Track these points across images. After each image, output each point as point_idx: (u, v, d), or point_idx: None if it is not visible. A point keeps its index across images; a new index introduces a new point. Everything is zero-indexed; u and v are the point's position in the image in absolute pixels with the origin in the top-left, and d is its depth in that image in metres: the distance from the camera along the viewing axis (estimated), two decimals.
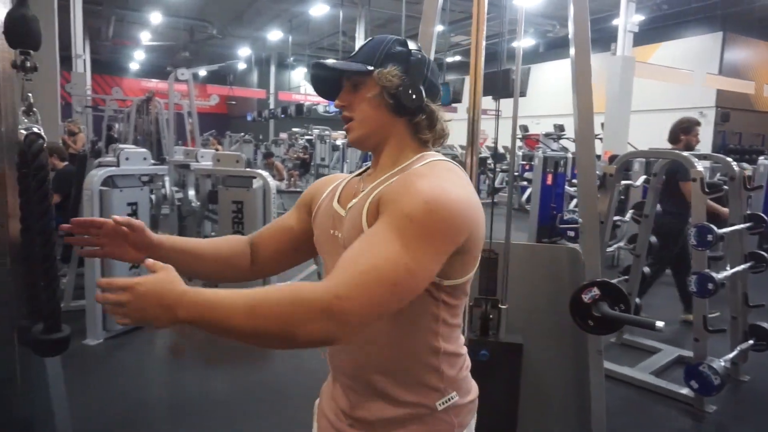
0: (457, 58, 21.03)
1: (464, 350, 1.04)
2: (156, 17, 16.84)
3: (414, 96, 0.97)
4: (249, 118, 20.12)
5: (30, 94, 0.93)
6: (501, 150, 15.17)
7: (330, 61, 1.00)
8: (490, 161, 12.72)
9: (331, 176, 1.18)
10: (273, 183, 4.08)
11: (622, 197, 4.84)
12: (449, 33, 17.78)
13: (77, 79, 11.92)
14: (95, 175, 3.52)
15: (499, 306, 1.84)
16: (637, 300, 3.87)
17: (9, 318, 1.05)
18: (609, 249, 4.48)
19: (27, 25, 0.90)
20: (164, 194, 5.09)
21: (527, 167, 11.91)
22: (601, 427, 1.92)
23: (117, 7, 16.15)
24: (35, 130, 0.90)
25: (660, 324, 1.54)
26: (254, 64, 23.99)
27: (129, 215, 3.72)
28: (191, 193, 4.80)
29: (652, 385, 3.15)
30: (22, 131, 0.92)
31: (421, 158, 0.98)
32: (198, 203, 4.58)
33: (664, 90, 14.43)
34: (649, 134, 14.23)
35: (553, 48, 18.47)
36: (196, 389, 3.08)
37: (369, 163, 1.09)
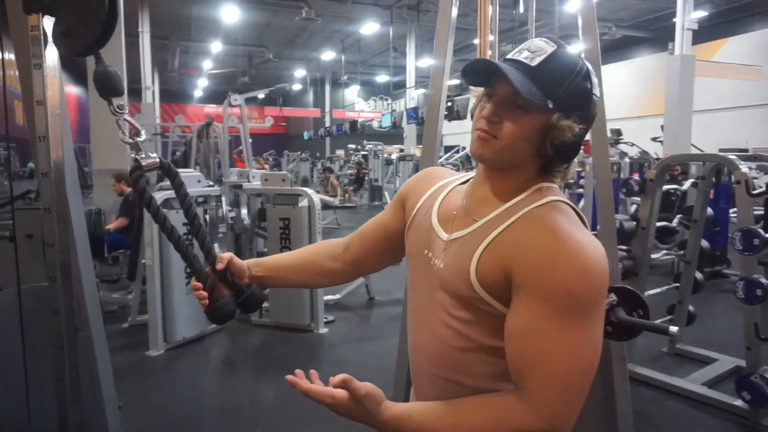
0: None
1: None
2: (216, 46, 17.81)
3: (575, 152, 0.86)
4: (305, 137, 20.79)
5: (122, 131, 1.09)
6: None
7: (512, 75, 0.81)
8: None
9: (429, 173, 1.10)
10: (317, 199, 4.25)
11: (673, 199, 4.66)
12: (499, 43, 17.67)
13: (146, 109, 12.81)
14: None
15: None
16: (690, 308, 3.72)
17: (57, 326, 1.22)
18: (664, 256, 4.33)
19: (109, 78, 1.07)
20: (221, 215, 5.40)
21: (583, 174, 11.59)
22: None
23: (182, 40, 17.23)
24: (137, 157, 1.06)
25: (674, 329, 1.52)
26: (309, 84, 24.78)
27: (185, 234, 3.99)
28: (243, 211, 5.07)
29: (703, 397, 3.03)
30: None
31: (540, 193, 0.88)
32: (248, 221, 4.83)
33: (732, 88, 13.68)
34: (717, 134, 13.55)
35: (610, 51, 17.93)
36: (246, 397, 3.25)
37: (473, 173, 1.00)
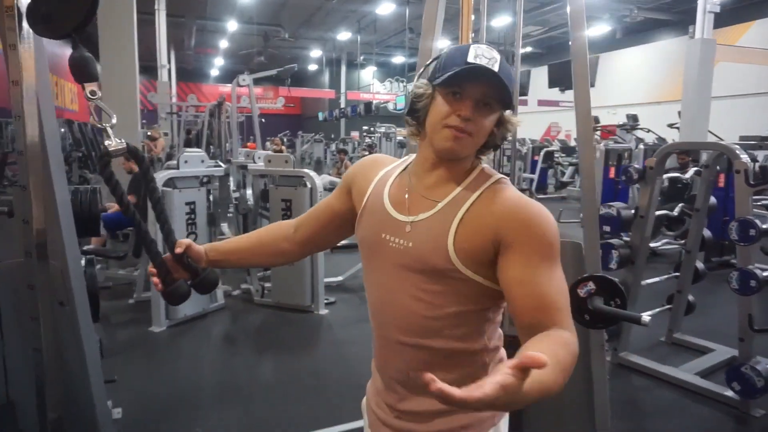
0: (528, 49, 20.49)
1: (501, 343, 1.12)
2: (232, 25, 17.76)
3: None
4: (320, 118, 20.76)
5: (93, 116, 1.11)
6: (573, 143, 14.72)
7: (488, 63, 0.94)
8: (558, 154, 12.38)
9: (372, 161, 1.17)
10: (319, 182, 4.27)
11: (679, 186, 4.58)
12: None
13: (161, 88, 12.90)
14: (157, 177, 3.87)
15: None
16: (690, 297, 3.70)
17: (34, 300, 1.26)
18: (665, 245, 4.29)
19: (85, 64, 1.09)
20: (228, 195, 5.45)
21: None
22: (604, 421, 1.91)
23: (198, 18, 17.18)
24: (107, 143, 1.09)
25: (646, 318, 1.52)
26: (325, 65, 24.64)
27: (187, 214, 4.05)
28: (248, 192, 5.12)
29: (695, 386, 3.02)
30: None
31: (485, 173, 1.03)
32: (252, 202, 4.88)
33: (757, 73, 13.28)
34: (739, 121, 13.21)
35: (630, 33, 17.52)
36: (245, 373, 3.33)
37: (410, 159, 1.10)
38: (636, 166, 3.23)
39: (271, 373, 3.38)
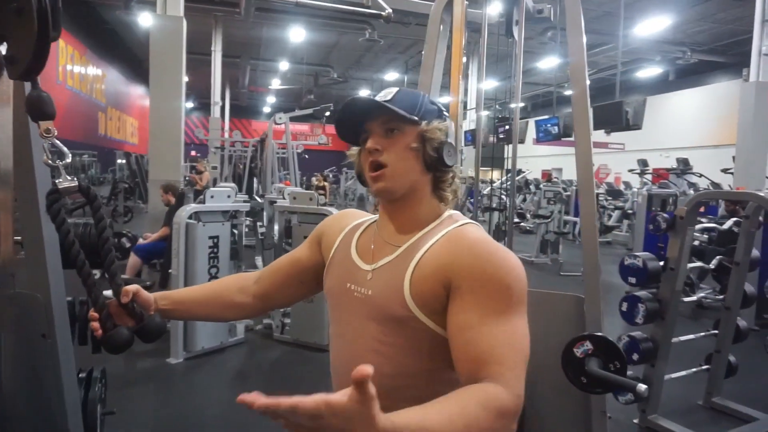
0: None
1: None
2: (284, 65, 18.48)
3: (452, 153, 0.99)
4: None
5: (46, 153, 1.12)
6: (622, 186, 14.25)
7: (380, 98, 0.97)
8: (603, 197, 12.00)
9: (343, 214, 1.17)
10: None
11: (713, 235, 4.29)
12: (567, 66, 17.27)
13: (212, 123, 13.48)
14: (183, 210, 3.97)
15: None
16: (731, 358, 3.40)
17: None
18: (699, 298, 4.00)
19: (41, 103, 1.11)
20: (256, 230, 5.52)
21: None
22: None
23: (252, 58, 18.01)
24: (56, 182, 1.09)
25: (642, 387, 1.38)
26: None
27: (210, 247, 4.11)
28: (276, 227, 5.17)
29: None
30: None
31: (452, 219, 1.00)
32: (277, 237, 4.92)
33: None
34: None
35: (683, 76, 17.05)
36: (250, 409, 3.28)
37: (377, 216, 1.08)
38: (665, 214, 3.04)
39: None
